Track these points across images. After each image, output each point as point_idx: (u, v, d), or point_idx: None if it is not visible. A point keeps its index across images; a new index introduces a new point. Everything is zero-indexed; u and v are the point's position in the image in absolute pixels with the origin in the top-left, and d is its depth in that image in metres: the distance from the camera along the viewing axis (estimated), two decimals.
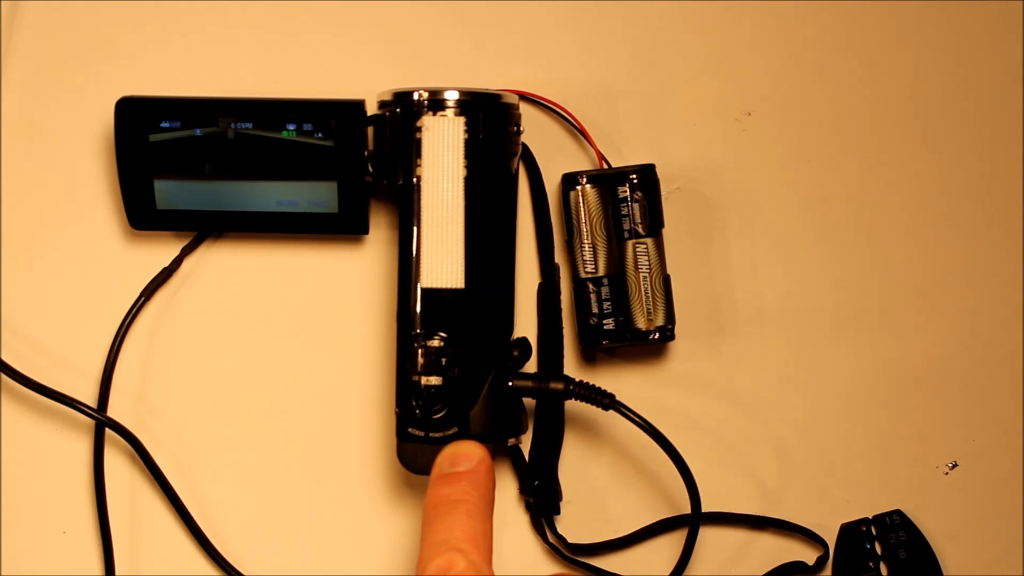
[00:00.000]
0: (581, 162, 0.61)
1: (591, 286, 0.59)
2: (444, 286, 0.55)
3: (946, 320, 0.63)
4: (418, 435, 0.56)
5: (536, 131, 0.61)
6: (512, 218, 0.58)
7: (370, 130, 0.58)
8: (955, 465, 0.63)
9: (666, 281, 0.59)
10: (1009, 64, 0.63)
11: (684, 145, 0.62)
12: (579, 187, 0.59)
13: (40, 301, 0.61)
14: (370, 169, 0.58)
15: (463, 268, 0.55)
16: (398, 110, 0.56)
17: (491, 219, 0.56)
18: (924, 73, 0.63)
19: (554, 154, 0.61)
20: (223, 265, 0.62)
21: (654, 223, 0.59)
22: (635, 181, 0.59)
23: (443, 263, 0.55)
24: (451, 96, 0.55)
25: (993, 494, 0.63)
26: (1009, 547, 0.63)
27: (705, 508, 0.60)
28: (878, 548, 0.61)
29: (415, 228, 0.55)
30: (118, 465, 0.61)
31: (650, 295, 0.59)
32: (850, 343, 0.63)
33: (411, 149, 0.55)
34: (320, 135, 0.57)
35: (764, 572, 0.62)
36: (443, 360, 0.55)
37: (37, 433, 0.61)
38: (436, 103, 0.55)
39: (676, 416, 0.62)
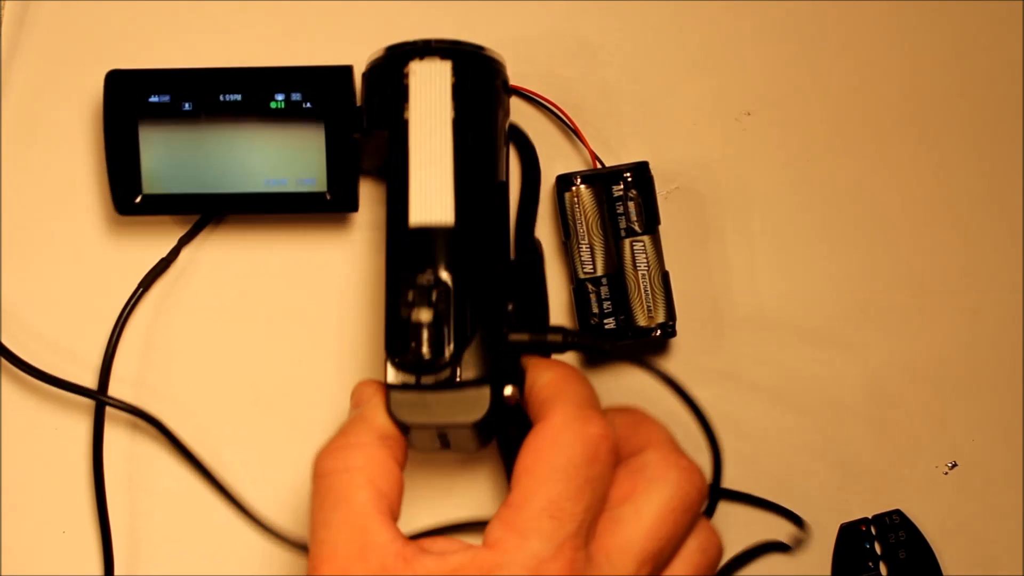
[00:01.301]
0: (577, 163, 0.62)
1: (590, 286, 0.59)
2: (434, 222, 0.53)
3: (946, 320, 0.63)
4: (409, 382, 0.51)
5: (533, 132, 0.61)
6: (500, 170, 0.56)
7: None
8: (955, 465, 0.63)
9: (665, 277, 0.59)
10: (1009, 64, 0.63)
11: (683, 145, 0.63)
12: (574, 188, 0.59)
13: (36, 295, 0.62)
14: (361, 127, 0.57)
15: (453, 204, 0.53)
16: (387, 60, 0.56)
17: (480, 164, 0.55)
18: (924, 73, 0.63)
19: (551, 155, 0.61)
20: (217, 252, 0.62)
21: (650, 220, 0.59)
22: (629, 179, 0.59)
23: (432, 200, 0.53)
24: (439, 44, 0.55)
25: (993, 494, 0.63)
26: (1009, 547, 0.62)
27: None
28: (878, 548, 0.61)
29: (404, 169, 0.54)
30: (119, 464, 0.61)
31: (649, 292, 0.59)
32: (850, 343, 0.63)
33: (400, 93, 0.55)
34: (308, 104, 0.57)
35: (742, 550, 0.61)
36: (434, 294, 0.51)
37: (37, 433, 0.62)
38: (424, 49, 0.55)
39: (678, 413, 0.62)
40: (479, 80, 0.55)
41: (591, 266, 0.59)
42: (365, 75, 0.57)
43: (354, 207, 0.59)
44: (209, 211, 0.61)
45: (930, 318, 0.63)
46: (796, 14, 0.63)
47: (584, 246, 0.59)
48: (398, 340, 0.51)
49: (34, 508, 0.62)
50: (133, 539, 0.61)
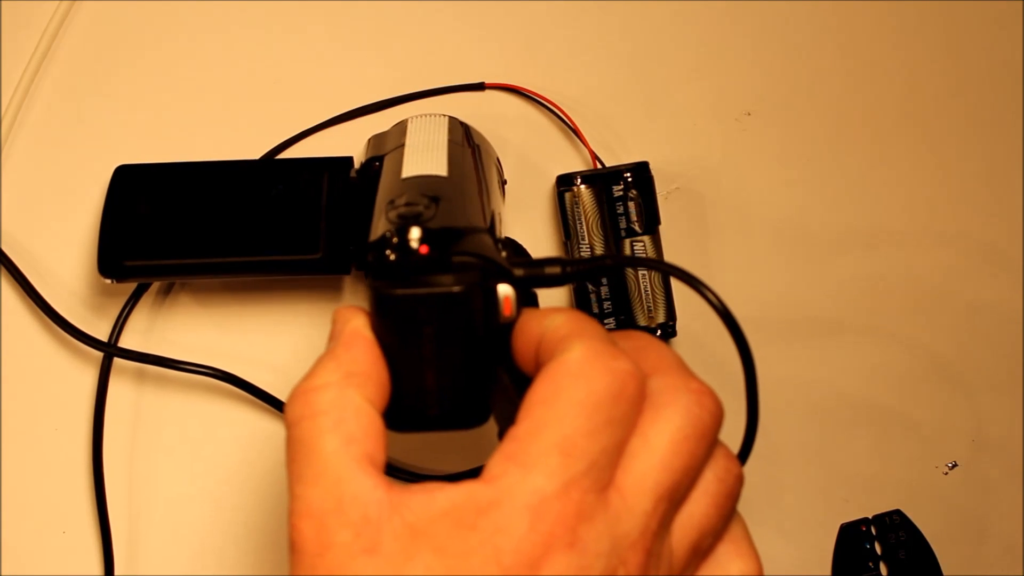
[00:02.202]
0: (577, 163, 0.62)
1: (590, 286, 0.59)
2: (426, 173, 0.49)
3: (946, 320, 0.63)
4: (390, 281, 0.42)
5: (533, 132, 0.61)
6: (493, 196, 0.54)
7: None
8: (955, 465, 0.63)
9: (665, 278, 0.59)
10: (1009, 64, 0.63)
11: (684, 145, 0.63)
12: (574, 188, 0.59)
13: None
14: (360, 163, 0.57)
15: (447, 160, 0.50)
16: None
17: (473, 173, 0.53)
18: (924, 73, 0.63)
19: (551, 155, 0.61)
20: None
21: (650, 221, 0.59)
22: (629, 180, 0.59)
23: (426, 155, 0.51)
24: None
25: (993, 494, 0.63)
26: (1009, 547, 0.62)
27: None
28: (878, 548, 0.61)
29: (398, 160, 0.52)
30: (118, 463, 0.62)
31: (649, 292, 0.59)
32: (850, 342, 0.63)
33: (400, 136, 0.55)
34: (308, 189, 0.57)
35: None
36: (424, 202, 0.45)
37: (37, 433, 0.62)
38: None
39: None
40: (473, 142, 0.56)
41: None
42: (370, 139, 0.58)
43: (347, 270, 0.58)
44: (200, 276, 0.60)
45: (930, 318, 0.63)
46: (796, 15, 0.63)
47: (584, 246, 0.59)
48: (382, 241, 0.44)
49: (34, 508, 0.62)
50: (133, 539, 0.61)
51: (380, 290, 0.42)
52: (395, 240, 0.43)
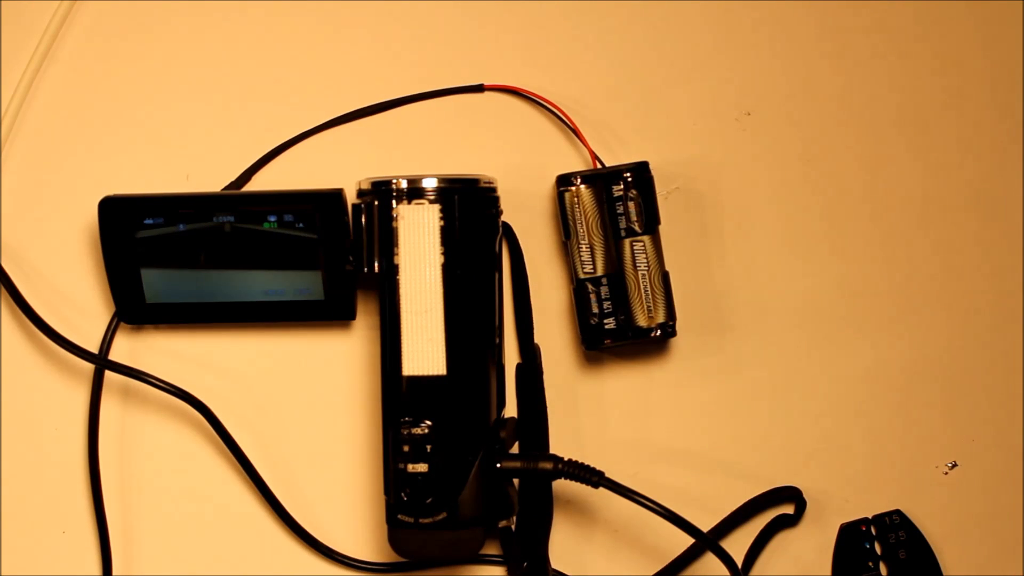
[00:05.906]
0: (577, 163, 0.61)
1: (590, 286, 0.59)
2: (426, 373, 0.56)
3: (946, 320, 0.63)
4: (408, 521, 0.56)
5: (533, 132, 0.61)
6: (493, 300, 0.58)
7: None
8: (955, 465, 0.63)
9: (665, 278, 0.59)
10: (1008, 65, 0.63)
11: (684, 145, 0.62)
12: (573, 187, 0.59)
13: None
14: (350, 258, 0.58)
15: (444, 355, 0.56)
16: (375, 201, 0.56)
17: (472, 303, 0.57)
18: (923, 74, 0.63)
19: (551, 155, 0.61)
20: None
21: (650, 220, 0.59)
22: (629, 179, 0.59)
23: (424, 350, 0.56)
24: (428, 184, 0.56)
25: (993, 494, 0.63)
26: (1009, 547, 0.62)
27: (704, 509, 0.60)
28: (878, 548, 0.61)
29: (395, 316, 0.56)
30: (116, 463, 0.62)
31: (649, 292, 0.59)
32: (850, 343, 0.62)
33: (389, 238, 0.56)
34: (301, 225, 0.58)
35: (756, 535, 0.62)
36: (428, 447, 0.55)
37: (36, 434, 0.62)
38: (412, 191, 0.56)
39: (678, 414, 0.62)
40: (469, 216, 0.56)
41: (591, 266, 0.59)
42: (354, 208, 0.58)
43: (351, 315, 0.60)
44: (211, 319, 0.60)
45: (929, 318, 0.63)
46: (796, 15, 0.63)
47: (584, 246, 0.59)
48: (396, 487, 0.56)
49: (34, 508, 0.62)
50: (130, 539, 0.62)
51: (397, 551, 0.57)
52: (410, 495, 0.55)
